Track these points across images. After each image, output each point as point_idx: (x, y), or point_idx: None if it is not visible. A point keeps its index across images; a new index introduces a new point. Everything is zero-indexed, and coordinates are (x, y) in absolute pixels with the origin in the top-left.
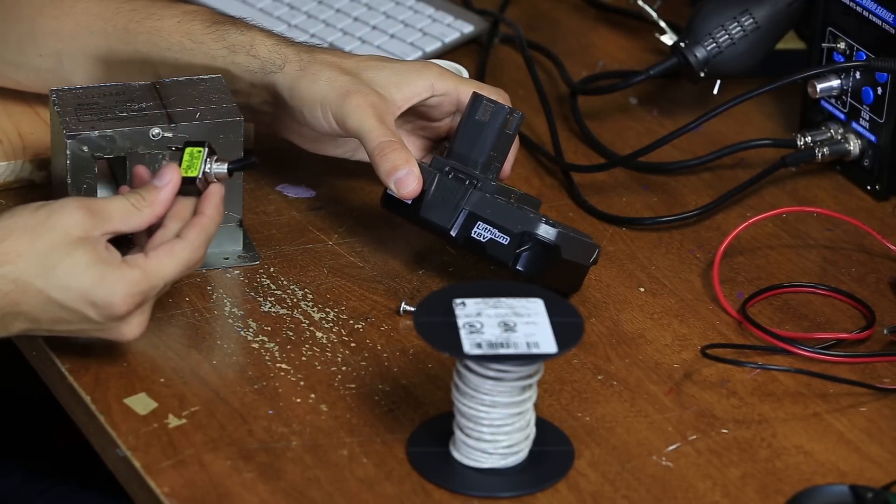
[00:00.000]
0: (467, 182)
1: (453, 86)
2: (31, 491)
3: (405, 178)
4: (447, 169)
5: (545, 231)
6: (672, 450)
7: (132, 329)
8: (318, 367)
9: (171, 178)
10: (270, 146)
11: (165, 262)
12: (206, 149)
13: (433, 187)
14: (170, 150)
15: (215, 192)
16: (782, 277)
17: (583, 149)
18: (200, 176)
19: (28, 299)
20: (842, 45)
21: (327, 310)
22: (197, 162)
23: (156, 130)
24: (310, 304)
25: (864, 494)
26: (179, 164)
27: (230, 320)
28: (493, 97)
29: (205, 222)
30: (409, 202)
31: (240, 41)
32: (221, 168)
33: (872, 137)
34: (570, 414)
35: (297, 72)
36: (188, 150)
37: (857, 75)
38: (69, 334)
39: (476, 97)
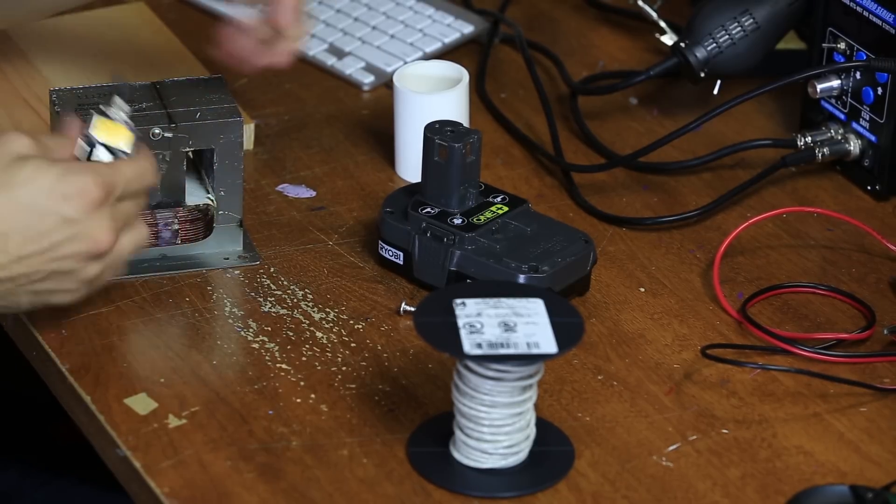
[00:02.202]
0: (445, 240)
1: None
2: (31, 484)
3: None
4: (424, 226)
5: (528, 281)
6: (672, 450)
7: (104, 230)
8: (319, 368)
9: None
10: (271, 146)
11: (118, 164)
12: (97, 114)
13: (417, 250)
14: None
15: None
16: (782, 277)
17: (583, 149)
18: (133, 132)
19: None
20: (842, 45)
21: (327, 310)
22: (116, 126)
23: (156, 130)
24: (310, 304)
25: (865, 494)
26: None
27: (230, 320)
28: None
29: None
30: (401, 263)
31: None
32: (125, 107)
33: (872, 137)
34: (570, 414)
35: None
36: (99, 123)
37: (858, 75)
38: (43, 269)
39: (427, 139)
